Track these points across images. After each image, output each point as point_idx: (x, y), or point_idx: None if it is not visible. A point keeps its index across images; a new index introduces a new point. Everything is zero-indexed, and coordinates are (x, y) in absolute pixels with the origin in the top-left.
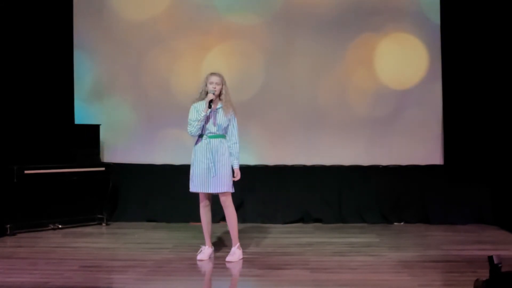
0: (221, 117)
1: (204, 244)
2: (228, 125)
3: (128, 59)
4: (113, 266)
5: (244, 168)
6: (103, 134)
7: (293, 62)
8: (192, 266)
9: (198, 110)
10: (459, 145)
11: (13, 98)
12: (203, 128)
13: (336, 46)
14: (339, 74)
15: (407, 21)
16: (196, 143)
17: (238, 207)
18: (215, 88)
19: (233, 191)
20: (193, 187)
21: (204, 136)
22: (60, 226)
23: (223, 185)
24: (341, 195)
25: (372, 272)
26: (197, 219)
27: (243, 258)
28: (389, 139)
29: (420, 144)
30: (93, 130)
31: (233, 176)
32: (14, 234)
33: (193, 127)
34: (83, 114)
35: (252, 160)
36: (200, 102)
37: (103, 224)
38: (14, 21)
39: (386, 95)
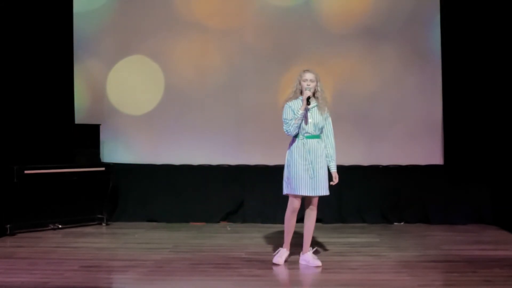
0: (317, 116)
1: (280, 246)
2: (324, 125)
3: (127, 58)
4: (113, 266)
5: (244, 168)
6: (103, 134)
7: (295, 62)
8: (192, 266)
9: (294, 109)
10: (459, 145)
11: (13, 98)
12: (299, 128)
13: (339, 48)
14: (339, 74)
15: (407, 22)
16: (291, 144)
17: (238, 207)
18: (309, 85)
19: (329, 193)
20: (290, 190)
21: (301, 136)
22: (60, 226)
23: (322, 188)
24: (341, 195)
25: (372, 272)
26: (197, 219)
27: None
28: (389, 139)
29: (420, 144)
30: (93, 130)
31: (331, 179)
32: (14, 234)
33: (291, 126)
34: (83, 114)
35: (252, 160)
36: (294, 100)
37: (103, 224)
38: (14, 21)
39: (387, 95)
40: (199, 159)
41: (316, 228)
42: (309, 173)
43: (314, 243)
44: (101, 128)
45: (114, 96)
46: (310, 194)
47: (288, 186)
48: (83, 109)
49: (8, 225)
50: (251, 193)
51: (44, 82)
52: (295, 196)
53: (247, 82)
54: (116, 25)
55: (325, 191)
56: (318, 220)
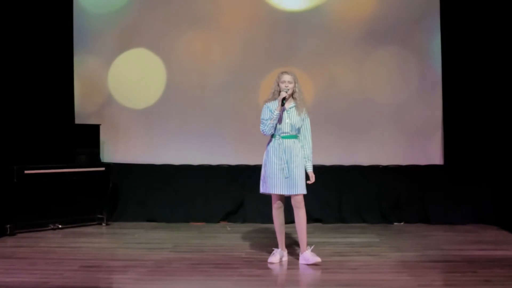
0: (294, 117)
1: (276, 246)
2: (301, 126)
3: (127, 58)
4: (113, 266)
5: (244, 168)
6: (103, 134)
7: (297, 63)
8: (192, 266)
9: (271, 109)
10: (459, 145)
11: (13, 98)
12: (275, 128)
13: (342, 50)
14: (342, 75)
15: (407, 22)
16: (268, 143)
17: (238, 207)
18: (287, 86)
19: (306, 192)
20: (265, 189)
21: (277, 136)
22: (60, 226)
23: (297, 186)
24: (341, 195)
25: (372, 272)
26: (197, 219)
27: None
28: (389, 139)
29: (420, 144)
30: (93, 130)
31: (308, 179)
32: (14, 234)
33: (266, 126)
34: (83, 114)
35: (252, 160)
36: (273, 101)
37: (103, 224)
38: (14, 21)
39: (388, 95)
40: (199, 159)
41: (316, 228)
42: (284, 172)
43: (314, 243)
44: (101, 128)
45: (114, 94)
46: (285, 193)
47: (263, 185)
48: (83, 109)
49: (8, 225)
50: (251, 193)
51: (44, 82)
52: (273, 195)
53: (248, 81)
54: (118, 22)
55: (301, 190)
56: (318, 220)
